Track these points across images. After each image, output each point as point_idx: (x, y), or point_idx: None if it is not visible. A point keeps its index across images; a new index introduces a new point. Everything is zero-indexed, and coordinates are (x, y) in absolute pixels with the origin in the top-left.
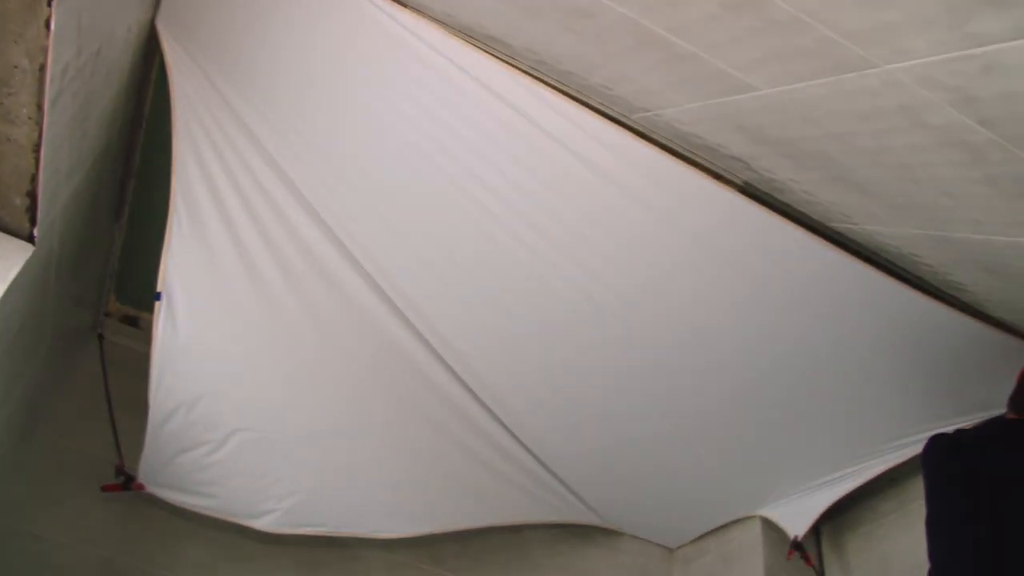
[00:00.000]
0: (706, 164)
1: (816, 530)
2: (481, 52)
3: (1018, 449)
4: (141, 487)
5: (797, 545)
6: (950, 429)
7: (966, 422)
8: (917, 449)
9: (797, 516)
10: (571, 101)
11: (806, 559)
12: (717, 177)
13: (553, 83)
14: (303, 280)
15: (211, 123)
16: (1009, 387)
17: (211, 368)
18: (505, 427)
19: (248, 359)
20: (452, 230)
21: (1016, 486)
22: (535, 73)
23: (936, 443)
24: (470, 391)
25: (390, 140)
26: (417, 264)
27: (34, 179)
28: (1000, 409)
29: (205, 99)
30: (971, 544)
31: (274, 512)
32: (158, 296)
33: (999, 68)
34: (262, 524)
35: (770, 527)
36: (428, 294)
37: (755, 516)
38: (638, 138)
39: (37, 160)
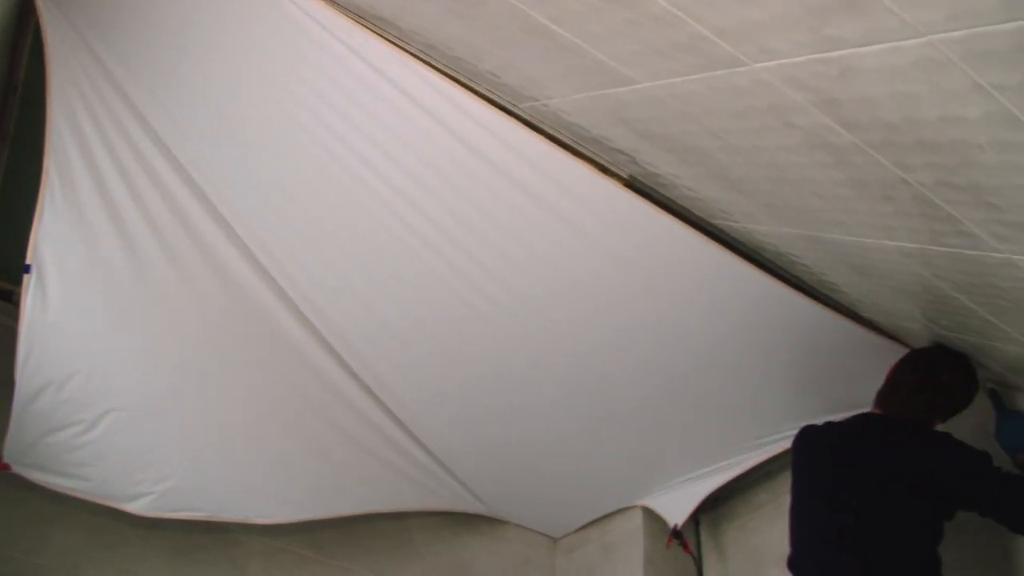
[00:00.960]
0: (593, 156)
1: (696, 520)
2: (369, 32)
3: (875, 440)
4: (6, 467)
5: (676, 533)
6: (820, 422)
7: (837, 417)
8: (791, 443)
9: (677, 506)
10: (459, 87)
11: (684, 547)
12: (603, 170)
13: (442, 68)
14: (184, 257)
15: (90, 92)
16: (879, 384)
17: (84, 346)
18: (391, 414)
19: (124, 337)
20: (341, 213)
21: (868, 474)
22: (425, 57)
23: (804, 434)
24: (355, 377)
25: (276, 118)
26: (303, 246)
27: None
28: (870, 406)
29: (84, 66)
30: (817, 528)
31: (149, 495)
32: (27, 268)
33: (856, 72)
34: (136, 507)
35: (651, 517)
36: (314, 277)
37: (637, 506)
38: (526, 127)
39: None
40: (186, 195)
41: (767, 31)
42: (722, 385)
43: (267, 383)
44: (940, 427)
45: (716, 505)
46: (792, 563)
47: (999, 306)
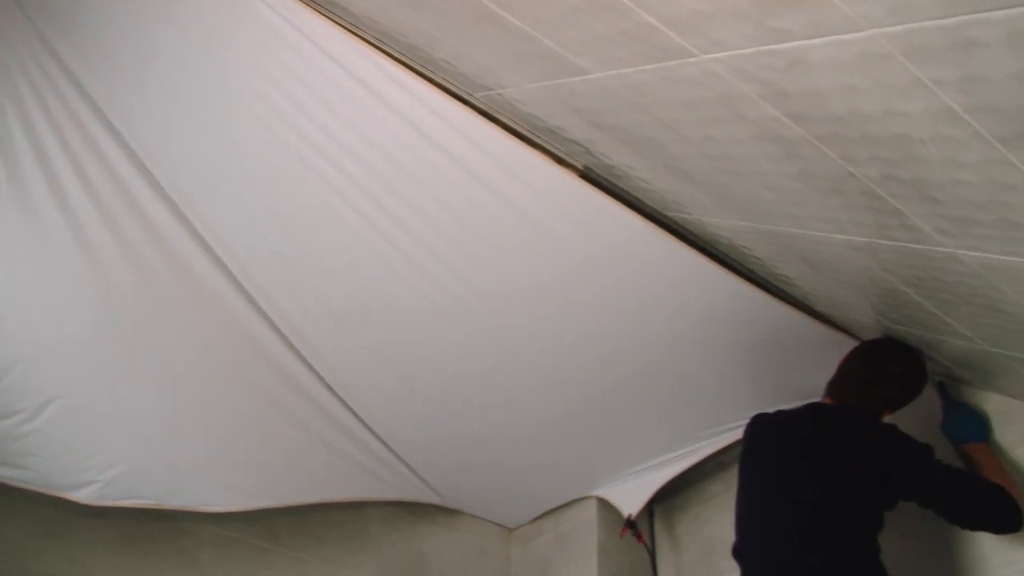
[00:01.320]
0: (548, 147)
1: (650, 511)
2: (323, 18)
3: (823, 430)
4: None
5: (630, 524)
6: (771, 410)
7: (789, 407)
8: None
9: (631, 496)
10: (415, 75)
11: (638, 536)
12: (559, 161)
13: (397, 56)
14: (132, 244)
15: (36, 72)
16: (831, 374)
17: (26, 334)
18: (345, 404)
19: (68, 324)
20: (294, 201)
21: (814, 463)
22: (379, 44)
23: (754, 422)
24: (307, 364)
25: (229, 103)
26: (255, 233)
27: None
28: (820, 396)
29: (28, 45)
30: (763, 516)
31: (95, 483)
32: None
33: (803, 65)
34: (82, 496)
35: (605, 507)
36: (266, 264)
37: (592, 496)
38: (482, 117)
39: None
40: (135, 179)
41: (713, 22)
42: (676, 376)
43: (216, 369)
44: (888, 418)
45: (670, 496)
46: (737, 551)
47: (944, 300)
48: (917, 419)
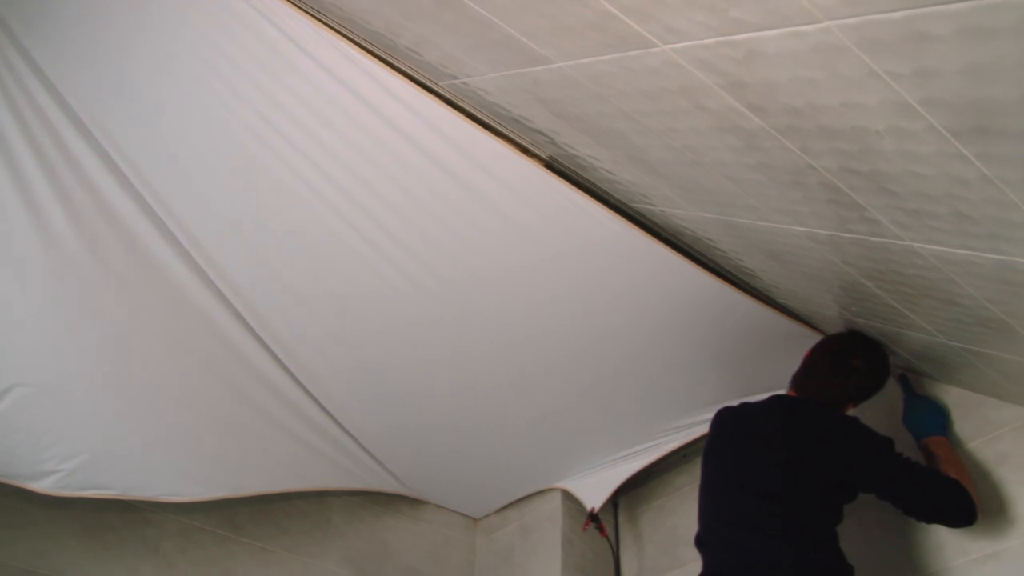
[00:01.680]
0: (513, 136)
1: (614, 502)
2: (287, 3)
3: (786, 423)
4: None
5: (593, 517)
6: (736, 402)
7: (754, 399)
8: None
9: (595, 489)
10: (379, 62)
11: (601, 530)
12: (523, 151)
13: (362, 43)
14: (92, 226)
15: None
16: (795, 367)
17: None
18: (309, 394)
19: (28, 310)
20: (256, 187)
21: (776, 455)
22: (344, 31)
23: (719, 414)
24: (271, 353)
25: (191, 89)
26: (214, 216)
27: None
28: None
29: None
30: (725, 506)
31: (56, 473)
32: None
33: (761, 56)
34: (43, 486)
35: (569, 499)
36: (229, 252)
37: (556, 488)
38: (447, 106)
39: None
40: (91, 160)
41: (671, 10)
42: (642, 370)
43: (180, 360)
44: (851, 411)
45: (634, 487)
46: (699, 540)
47: (903, 293)
48: (879, 412)
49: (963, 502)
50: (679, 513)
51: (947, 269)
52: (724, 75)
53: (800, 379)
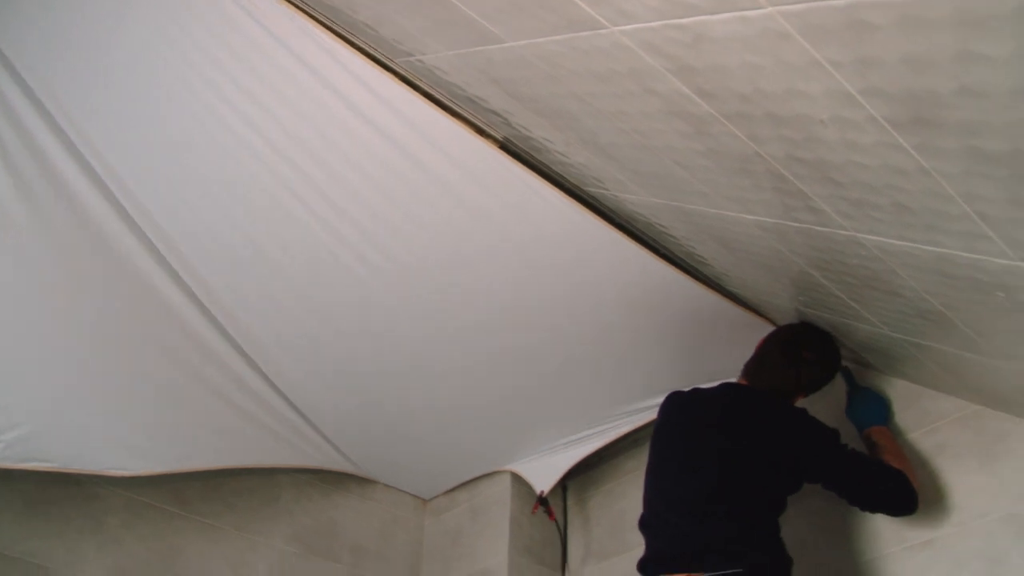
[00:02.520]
0: (468, 116)
1: (563, 485)
2: None
3: (735, 411)
4: None
5: (542, 500)
6: (687, 388)
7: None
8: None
9: (545, 473)
10: (335, 37)
11: (549, 514)
12: (479, 131)
13: (318, 16)
14: (34, 193)
15: None
16: (748, 356)
17: None
18: (257, 368)
19: None
20: (208, 161)
21: (723, 442)
22: (300, 5)
23: (669, 399)
24: (218, 325)
25: (141, 56)
26: (167, 189)
27: None
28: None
29: None
30: (670, 490)
31: None
32: None
33: (708, 40)
34: None
35: (519, 482)
36: (177, 220)
37: (506, 471)
38: (402, 83)
39: None
40: (43, 131)
41: None
42: (595, 355)
43: (124, 331)
44: (801, 402)
45: (584, 471)
46: (643, 522)
47: (848, 284)
48: (827, 403)
49: (906, 492)
50: (628, 497)
51: (889, 260)
52: (672, 59)
53: (752, 368)
